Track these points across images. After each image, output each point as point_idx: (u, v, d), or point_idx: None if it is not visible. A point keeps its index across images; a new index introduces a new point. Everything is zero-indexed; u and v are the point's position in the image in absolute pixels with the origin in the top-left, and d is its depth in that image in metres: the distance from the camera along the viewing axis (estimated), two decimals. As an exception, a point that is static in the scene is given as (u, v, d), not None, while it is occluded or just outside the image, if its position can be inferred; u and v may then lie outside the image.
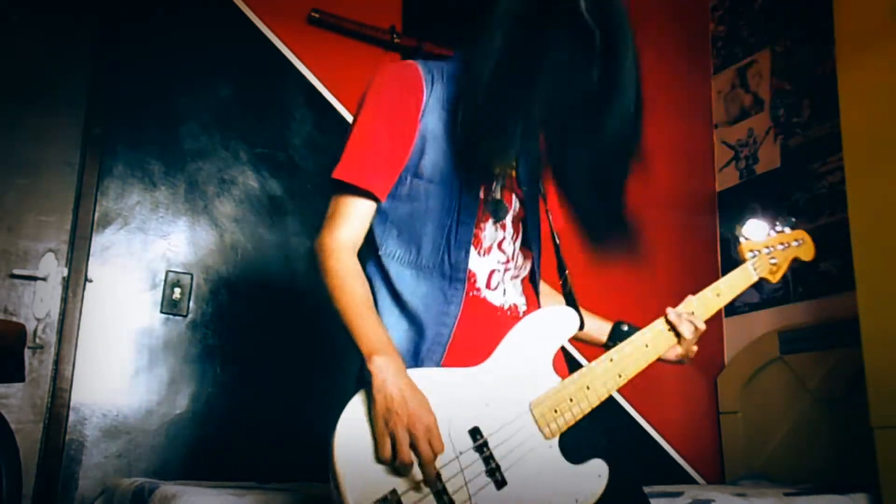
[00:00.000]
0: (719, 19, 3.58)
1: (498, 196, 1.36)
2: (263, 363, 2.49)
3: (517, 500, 1.19)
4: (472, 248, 1.33)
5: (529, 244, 1.43)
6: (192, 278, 2.46)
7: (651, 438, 3.03)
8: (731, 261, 3.31)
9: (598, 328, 1.51)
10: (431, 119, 1.32)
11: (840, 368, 2.66)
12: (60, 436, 2.19)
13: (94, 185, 2.37)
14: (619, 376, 1.32)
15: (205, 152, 2.56)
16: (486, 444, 1.20)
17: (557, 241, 1.45)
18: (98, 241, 2.36)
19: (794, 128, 3.13)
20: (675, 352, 1.41)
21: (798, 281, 3.01)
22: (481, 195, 1.34)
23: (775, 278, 1.59)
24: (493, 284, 1.35)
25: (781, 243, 1.59)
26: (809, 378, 2.79)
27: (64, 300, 2.28)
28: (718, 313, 3.28)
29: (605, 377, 1.31)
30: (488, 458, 1.19)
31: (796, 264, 1.61)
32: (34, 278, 2.28)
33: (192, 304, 2.44)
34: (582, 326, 1.36)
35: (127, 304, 2.37)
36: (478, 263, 1.34)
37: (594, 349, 1.46)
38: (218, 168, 2.56)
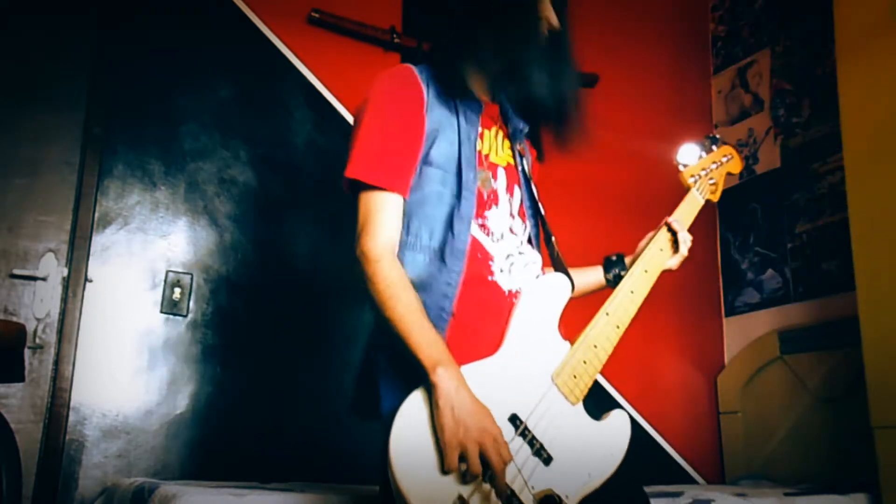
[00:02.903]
0: (719, 19, 3.58)
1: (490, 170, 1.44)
2: (263, 363, 2.49)
3: (565, 470, 1.24)
4: (485, 236, 1.37)
5: (532, 226, 1.50)
6: (192, 278, 2.46)
7: (651, 438, 3.03)
8: (732, 260, 3.31)
9: (593, 275, 1.60)
10: (435, 113, 1.38)
11: (840, 368, 2.66)
12: (60, 436, 2.19)
13: (94, 185, 2.37)
14: (618, 327, 1.39)
15: (205, 152, 2.55)
16: (526, 427, 1.23)
17: (542, 212, 1.51)
18: (98, 241, 2.36)
19: (794, 128, 3.13)
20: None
21: (798, 281, 3.01)
22: (481, 173, 1.40)
23: (716, 197, 1.68)
24: (506, 269, 1.39)
25: (714, 162, 1.68)
26: (809, 378, 2.79)
27: (64, 300, 2.28)
28: (718, 313, 3.30)
29: (606, 332, 1.37)
30: (532, 440, 1.23)
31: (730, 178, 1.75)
32: (34, 278, 2.28)
33: (192, 304, 2.44)
34: (573, 288, 1.41)
35: (127, 304, 2.37)
36: (494, 248, 1.38)
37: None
38: (218, 168, 2.56)
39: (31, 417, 2.20)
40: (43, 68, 2.41)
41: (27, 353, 2.20)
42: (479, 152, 1.41)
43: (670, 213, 1.59)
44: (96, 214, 2.37)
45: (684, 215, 1.58)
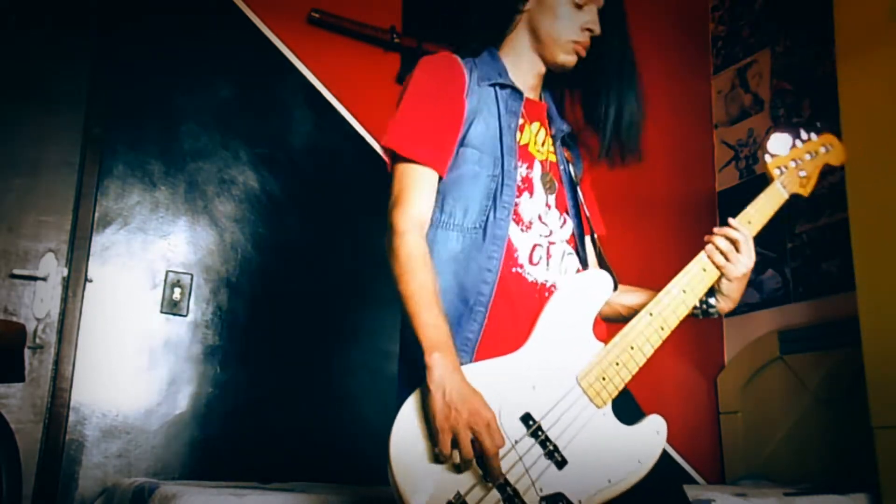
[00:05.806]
0: (719, 19, 3.58)
1: (546, 169, 1.44)
2: (263, 363, 2.49)
3: (580, 474, 1.20)
4: (514, 224, 1.36)
5: (571, 219, 1.46)
6: (192, 278, 2.46)
7: (651, 438, 3.03)
8: (731, 261, 3.30)
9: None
10: (475, 98, 1.39)
11: (840, 368, 2.66)
12: (60, 436, 2.19)
13: (94, 185, 2.37)
14: (662, 329, 1.31)
15: (205, 152, 2.55)
16: (539, 427, 1.21)
17: (587, 213, 1.49)
18: (98, 241, 2.36)
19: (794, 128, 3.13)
20: (724, 283, 1.40)
21: (798, 281, 3.01)
22: (522, 163, 1.40)
23: (807, 191, 1.50)
24: (535, 259, 1.36)
25: (809, 152, 1.49)
26: (809, 378, 2.79)
27: (64, 300, 2.28)
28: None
29: (647, 333, 1.30)
30: (544, 441, 1.20)
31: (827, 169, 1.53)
32: (34, 278, 2.27)
33: (192, 304, 2.44)
34: (615, 287, 1.36)
35: (127, 304, 2.37)
36: (519, 239, 1.36)
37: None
38: (218, 168, 2.56)
39: (31, 417, 2.20)
40: (43, 68, 2.41)
41: (27, 353, 2.20)
42: (517, 142, 1.41)
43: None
44: (96, 214, 2.37)
45: (759, 210, 1.46)
